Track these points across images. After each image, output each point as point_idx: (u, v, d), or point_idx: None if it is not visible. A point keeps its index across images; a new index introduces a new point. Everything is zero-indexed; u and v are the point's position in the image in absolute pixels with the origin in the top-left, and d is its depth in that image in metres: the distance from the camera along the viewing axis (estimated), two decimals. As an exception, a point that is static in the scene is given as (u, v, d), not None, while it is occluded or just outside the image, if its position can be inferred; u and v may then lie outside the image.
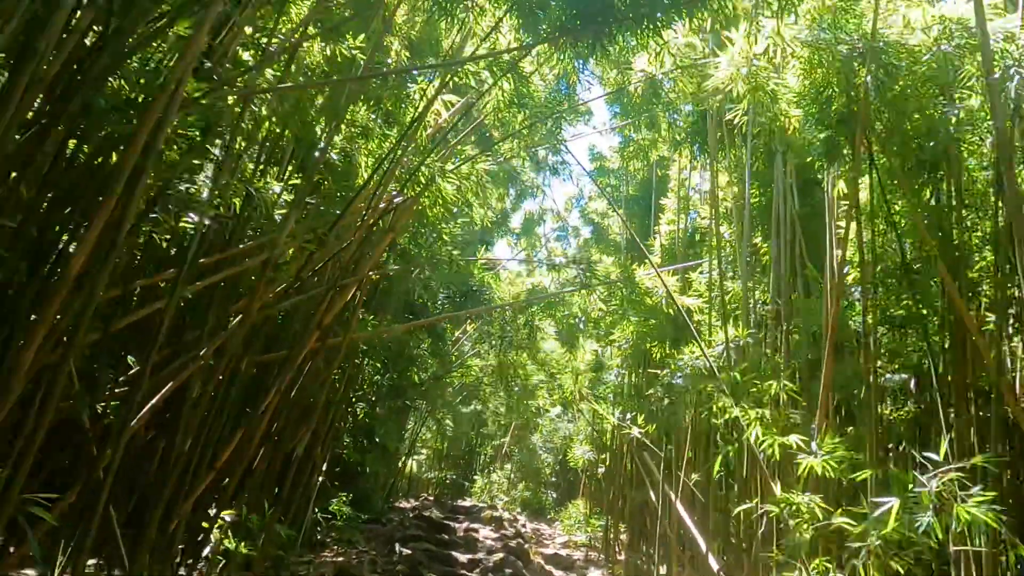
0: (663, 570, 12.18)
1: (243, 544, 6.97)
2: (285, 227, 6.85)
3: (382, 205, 8.66)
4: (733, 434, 9.31)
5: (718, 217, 11.58)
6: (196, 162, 5.79)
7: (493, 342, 14.89)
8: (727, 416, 6.61)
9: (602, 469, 17.60)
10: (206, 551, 7.35)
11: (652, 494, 13.49)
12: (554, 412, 18.07)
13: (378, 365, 13.60)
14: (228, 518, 7.36)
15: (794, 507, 5.93)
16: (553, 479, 25.02)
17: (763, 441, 6.36)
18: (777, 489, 6.89)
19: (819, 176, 11.43)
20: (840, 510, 5.82)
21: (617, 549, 15.74)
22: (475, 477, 27.85)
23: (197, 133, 5.54)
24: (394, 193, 9.05)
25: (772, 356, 9.88)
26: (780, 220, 10.61)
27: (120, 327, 6.25)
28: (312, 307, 8.18)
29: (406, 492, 24.71)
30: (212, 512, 7.63)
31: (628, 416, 13.39)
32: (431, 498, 22.47)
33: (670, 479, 12.18)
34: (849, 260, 8.71)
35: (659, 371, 11.05)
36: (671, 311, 11.10)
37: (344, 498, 12.27)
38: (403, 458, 22.12)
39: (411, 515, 17.29)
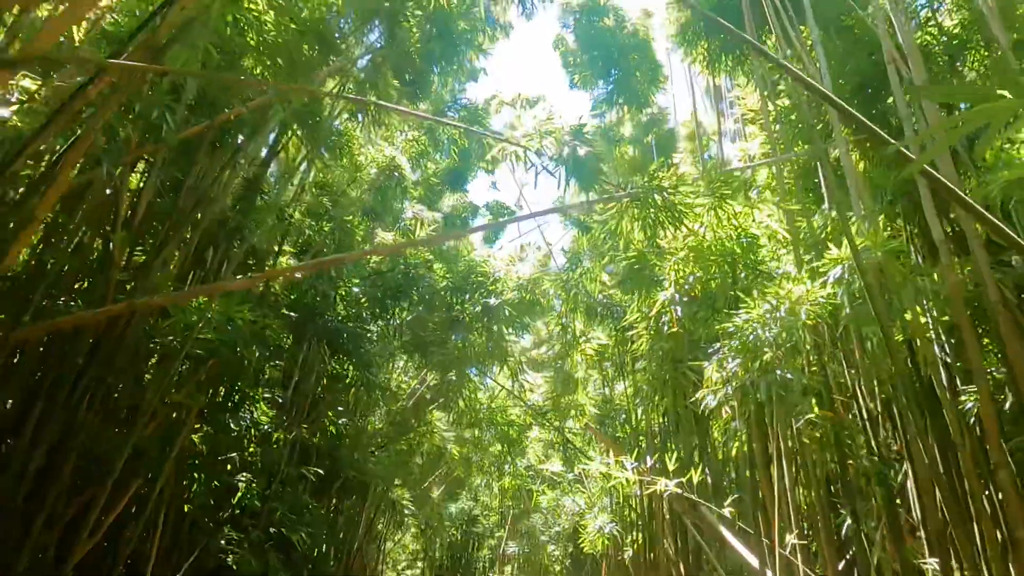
0: None
1: None
2: None
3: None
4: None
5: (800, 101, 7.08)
6: None
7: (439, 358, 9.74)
8: None
9: (630, 553, 12.32)
10: None
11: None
12: (553, 468, 13.00)
13: (265, 407, 8.67)
14: None
15: None
16: (564, 577, 19.31)
17: None
18: None
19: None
20: None
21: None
22: (471, 587, 22.01)
23: None
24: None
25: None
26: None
27: None
28: None
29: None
30: None
31: (651, 460, 8.40)
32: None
33: (753, 545, 7.17)
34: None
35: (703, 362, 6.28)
36: (735, 244, 6.42)
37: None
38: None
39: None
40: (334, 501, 12.52)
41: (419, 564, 25.72)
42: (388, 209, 12.75)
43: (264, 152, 8.67)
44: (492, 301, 9.10)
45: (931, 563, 4.91)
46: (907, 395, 4.83)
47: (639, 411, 10.55)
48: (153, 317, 6.35)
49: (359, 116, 9.13)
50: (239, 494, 8.49)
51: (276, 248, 9.05)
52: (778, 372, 5.14)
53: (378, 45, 8.23)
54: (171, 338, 6.11)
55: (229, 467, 8.53)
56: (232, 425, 8.35)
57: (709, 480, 8.96)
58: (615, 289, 10.53)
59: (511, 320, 9.26)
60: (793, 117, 8.91)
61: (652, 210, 6.05)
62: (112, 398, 6.27)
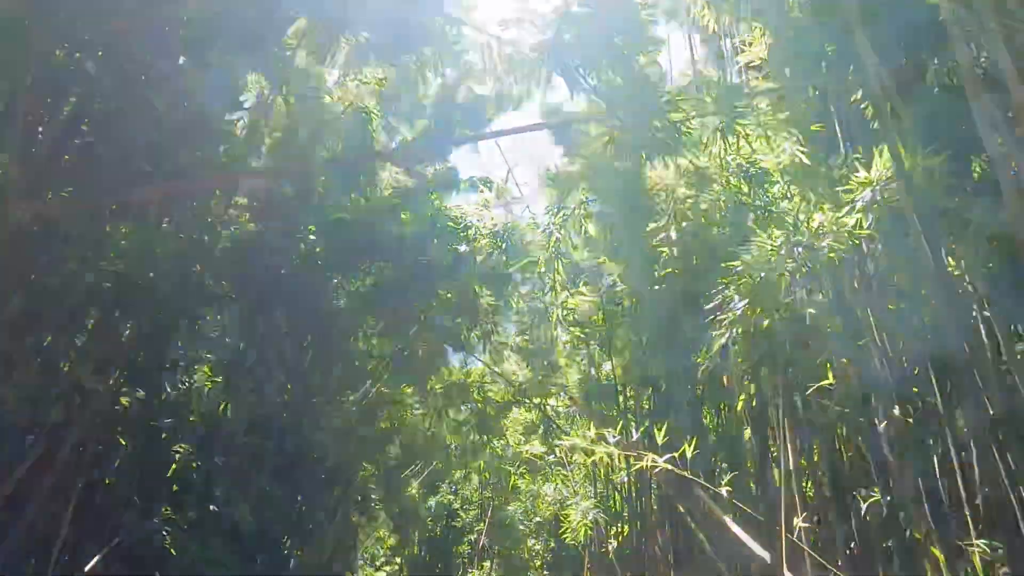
0: None
1: None
2: None
3: None
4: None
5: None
6: None
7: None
8: None
9: (614, 545, 11.46)
10: None
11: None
12: (534, 450, 12.08)
13: (210, 370, 7.70)
14: None
15: None
16: (546, 572, 18.38)
17: None
18: None
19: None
20: None
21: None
22: (448, 584, 21.06)
23: None
24: None
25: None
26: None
27: None
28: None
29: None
30: None
31: (637, 433, 7.42)
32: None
33: (753, 529, 6.32)
34: None
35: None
36: (741, 181, 5.51)
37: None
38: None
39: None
40: (296, 485, 11.56)
41: (397, 560, 24.78)
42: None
43: (212, 84, 7.70)
44: (463, 248, 8.18)
45: (980, 544, 4.04)
46: (966, 343, 3.95)
47: (626, 389, 9.65)
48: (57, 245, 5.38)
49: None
50: (173, 467, 7.51)
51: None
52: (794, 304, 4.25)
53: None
54: (70, 262, 5.14)
55: (164, 436, 7.55)
56: (168, 388, 7.38)
57: (700, 470, 8.09)
58: (601, 257, 9.66)
59: (484, 271, 8.31)
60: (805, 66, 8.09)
61: (649, 133, 5.15)
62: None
